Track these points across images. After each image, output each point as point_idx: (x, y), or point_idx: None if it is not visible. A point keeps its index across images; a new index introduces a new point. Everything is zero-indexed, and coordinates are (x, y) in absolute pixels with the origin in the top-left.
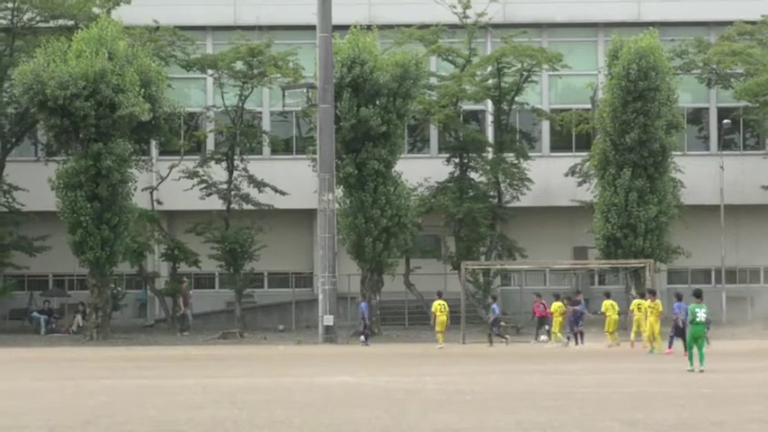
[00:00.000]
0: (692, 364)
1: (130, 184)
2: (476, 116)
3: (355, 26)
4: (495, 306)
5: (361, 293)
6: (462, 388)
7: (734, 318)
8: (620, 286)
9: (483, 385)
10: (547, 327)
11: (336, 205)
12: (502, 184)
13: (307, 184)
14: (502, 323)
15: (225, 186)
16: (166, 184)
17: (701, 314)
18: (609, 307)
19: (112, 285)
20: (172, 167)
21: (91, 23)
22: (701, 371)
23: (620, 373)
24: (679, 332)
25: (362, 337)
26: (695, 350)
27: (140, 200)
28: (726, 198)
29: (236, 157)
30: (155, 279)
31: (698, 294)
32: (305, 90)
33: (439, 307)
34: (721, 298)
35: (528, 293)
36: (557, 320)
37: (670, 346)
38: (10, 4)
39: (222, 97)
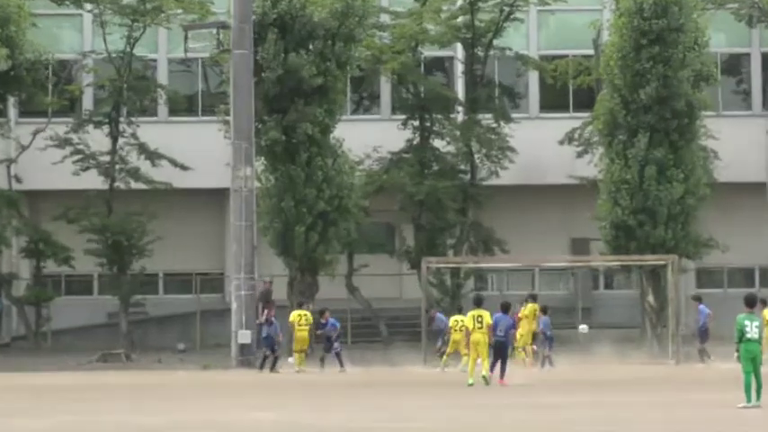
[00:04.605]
0: (749, 398)
1: None
2: (441, 65)
3: None
4: (702, 306)
5: (290, 300)
6: (423, 426)
7: None
8: (634, 291)
9: (453, 424)
10: None
11: (257, 183)
12: (476, 156)
13: (216, 156)
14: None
15: (107, 158)
16: (28, 155)
17: (753, 328)
18: None
19: None
20: (36, 133)
21: None
22: (758, 406)
23: (627, 408)
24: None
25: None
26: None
27: None
28: None
29: (121, 119)
30: (11, 282)
31: (750, 302)
32: (214, 31)
33: (299, 318)
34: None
35: (510, 299)
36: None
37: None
38: None
39: (104, 40)
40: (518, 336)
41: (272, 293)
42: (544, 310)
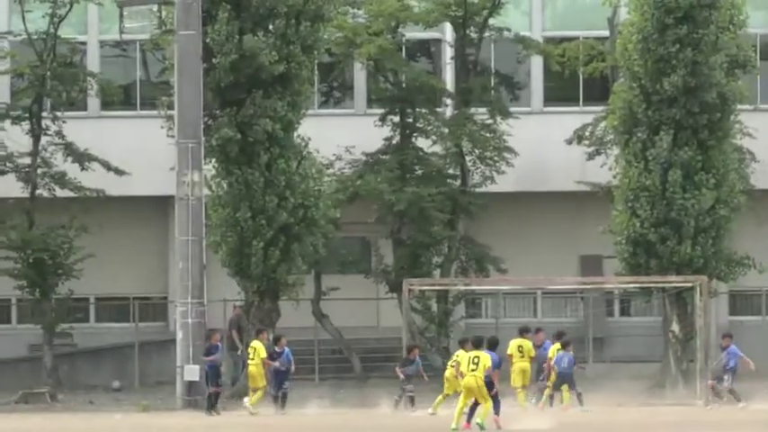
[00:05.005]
0: None
1: None
2: (427, 49)
3: None
4: (734, 348)
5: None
6: None
7: None
8: (655, 318)
9: None
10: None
11: (206, 190)
12: (468, 157)
13: (158, 158)
14: None
15: (27, 160)
16: None
17: None
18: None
19: None
20: None
21: None
22: None
23: None
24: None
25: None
26: None
27: None
28: None
29: (44, 113)
30: None
31: None
32: (155, 8)
33: (254, 351)
34: None
35: (508, 328)
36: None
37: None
38: None
39: (23, 19)
40: (512, 375)
41: (245, 319)
42: (565, 345)
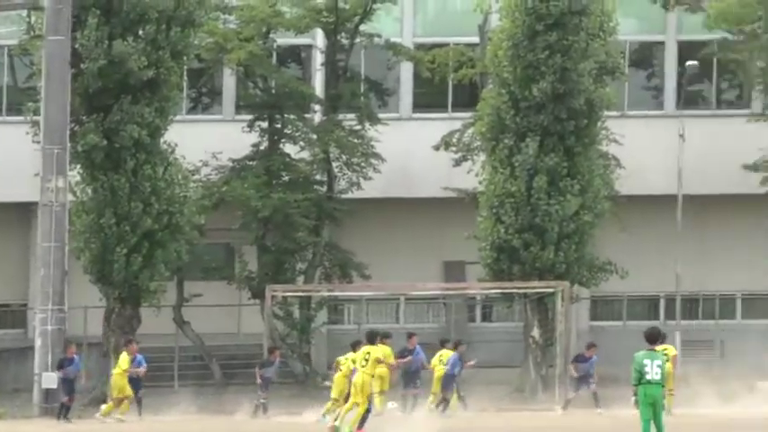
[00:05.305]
0: None
1: None
2: (297, 56)
3: None
4: (596, 357)
5: (105, 337)
6: None
7: (693, 371)
8: (517, 323)
9: None
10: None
11: (70, 197)
12: (335, 164)
13: (22, 163)
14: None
15: None
16: None
17: (654, 368)
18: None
19: None
20: None
21: None
22: None
23: None
24: None
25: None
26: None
27: None
28: (686, 185)
29: None
30: None
31: (652, 338)
32: (24, 13)
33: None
34: (675, 340)
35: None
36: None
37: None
38: None
39: None
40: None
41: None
42: (456, 345)
